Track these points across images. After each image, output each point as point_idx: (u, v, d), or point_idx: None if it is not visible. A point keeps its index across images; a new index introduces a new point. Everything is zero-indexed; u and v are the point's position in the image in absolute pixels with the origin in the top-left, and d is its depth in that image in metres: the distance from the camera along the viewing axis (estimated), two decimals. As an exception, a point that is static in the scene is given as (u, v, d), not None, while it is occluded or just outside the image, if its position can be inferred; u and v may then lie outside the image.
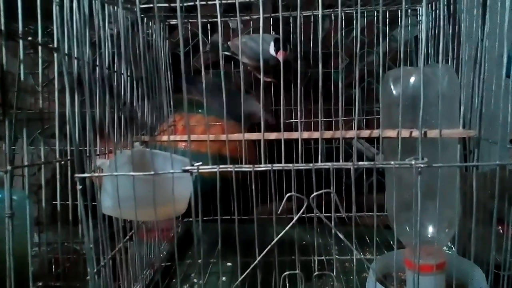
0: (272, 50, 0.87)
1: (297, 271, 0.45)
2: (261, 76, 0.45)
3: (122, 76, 0.62)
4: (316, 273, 0.46)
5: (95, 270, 0.48)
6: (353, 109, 0.47)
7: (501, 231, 0.62)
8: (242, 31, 1.03)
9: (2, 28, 0.45)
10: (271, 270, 0.51)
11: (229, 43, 0.91)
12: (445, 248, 0.68)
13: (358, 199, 0.87)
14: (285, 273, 0.46)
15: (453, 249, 0.60)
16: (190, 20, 0.91)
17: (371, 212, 0.74)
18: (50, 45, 0.51)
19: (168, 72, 0.86)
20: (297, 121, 0.51)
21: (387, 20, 0.90)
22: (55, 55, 0.50)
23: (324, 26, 1.06)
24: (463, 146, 0.53)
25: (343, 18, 0.83)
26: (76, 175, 0.45)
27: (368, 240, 0.72)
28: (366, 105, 0.99)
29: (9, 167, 0.47)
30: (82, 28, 0.46)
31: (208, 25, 0.95)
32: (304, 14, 0.89)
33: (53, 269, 0.62)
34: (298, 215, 0.44)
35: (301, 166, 0.44)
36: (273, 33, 0.98)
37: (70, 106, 0.47)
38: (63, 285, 0.60)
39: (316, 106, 0.93)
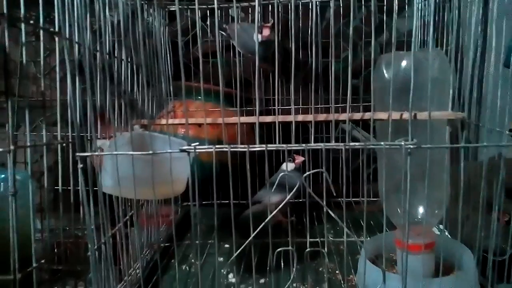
0: (256, 37, 0.86)
1: (289, 248, 0.47)
2: (256, 64, 0.47)
3: (123, 63, 0.64)
4: (308, 249, 0.47)
5: (95, 247, 0.50)
6: (351, 98, 0.48)
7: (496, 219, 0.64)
8: (243, 20, 1.04)
9: (5, 12, 0.46)
10: (266, 250, 0.53)
11: (226, 26, 0.90)
12: (437, 231, 0.69)
13: (356, 187, 0.88)
14: (278, 249, 0.48)
15: (445, 232, 0.62)
16: (189, 7, 0.91)
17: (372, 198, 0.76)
18: (52, 29, 0.52)
19: (168, 59, 0.87)
20: (293, 107, 0.52)
21: (385, 9, 0.91)
22: (57, 42, 0.52)
23: (325, 16, 1.07)
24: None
25: (341, 7, 0.84)
26: (78, 154, 0.46)
27: (363, 224, 0.74)
28: (366, 95, 1.00)
29: (12, 147, 0.49)
30: (83, 14, 0.47)
31: (208, 12, 0.95)
32: (303, 2, 0.90)
33: (55, 254, 0.63)
34: (291, 193, 0.46)
35: (295, 146, 0.45)
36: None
37: (72, 91, 0.48)
38: (65, 269, 0.62)
39: (316, 96, 0.94)
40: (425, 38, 0.75)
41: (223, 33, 0.88)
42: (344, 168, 0.45)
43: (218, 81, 0.46)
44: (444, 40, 0.62)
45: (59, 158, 0.57)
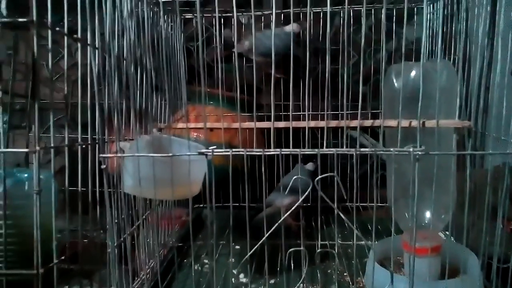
0: (290, 28, 0.90)
1: (301, 248, 0.49)
2: (273, 71, 0.49)
3: (139, 68, 0.66)
4: (319, 250, 0.49)
5: (115, 244, 0.52)
6: (359, 105, 0.50)
7: (501, 226, 0.65)
8: (250, 27, 1.07)
9: (34, 18, 0.49)
10: (276, 252, 0.55)
11: (236, 47, 0.94)
12: (443, 236, 0.71)
13: (363, 193, 0.90)
14: (290, 250, 0.50)
15: (452, 238, 0.64)
16: (204, 15, 0.94)
17: (380, 204, 0.78)
18: (75, 36, 0.55)
19: (184, 65, 0.89)
20: (305, 114, 0.55)
21: (394, 18, 0.93)
22: (79, 47, 0.54)
23: (334, 23, 1.09)
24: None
25: (351, 15, 0.86)
26: (101, 155, 0.49)
27: (370, 228, 0.76)
28: (373, 102, 1.02)
29: (38, 147, 0.51)
30: (110, 21, 0.49)
31: (221, 19, 0.98)
32: (314, 11, 0.92)
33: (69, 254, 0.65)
34: (304, 195, 0.48)
35: (308, 151, 0.47)
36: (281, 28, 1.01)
37: (92, 94, 0.50)
38: (78, 269, 0.64)
39: (323, 102, 0.97)
40: (433, 48, 0.77)
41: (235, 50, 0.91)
42: (354, 173, 0.47)
43: (229, 87, 0.49)
44: (452, 50, 0.65)
45: (79, 159, 0.60)
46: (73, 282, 0.66)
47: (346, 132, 0.96)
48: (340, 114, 0.95)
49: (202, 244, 0.79)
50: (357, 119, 0.52)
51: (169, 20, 0.85)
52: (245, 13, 0.98)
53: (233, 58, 0.92)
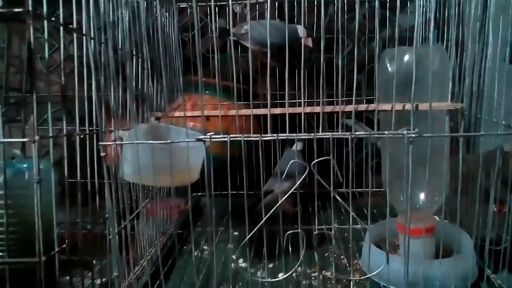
0: (301, 32, 0.91)
1: (299, 230, 0.50)
2: (268, 60, 0.49)
3: (135, 58, 0.66)
4: (316, 232, 0.51)
5: (116, 231, 0.53)
6: (353, 90, 0.51)
7: (495, 209, 0.66)
8: (244, 16, 1.07)
9: (30, 9, 0.49)
10: (275, 237, 0.56)
11: (233, 29, 0.94)
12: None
13: (359, 180, 0.92)
14: (288, 232, 0.51)
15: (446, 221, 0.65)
16: (198, 4, 0.95)
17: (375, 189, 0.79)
18: (71, 26, 0.55)
19: (179, 55, 0.89)
20: (300, 101, 0.55)
21: (387, 5, 0.94)
22: (75, 38, 0.54)
23: (328, 12, 1.09)
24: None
25: (345, 3, 0.86)
26: (100, 143, 0.49)
27: (366, 213, 0.77)
28: (368, 90, 1.03)
29: (37, 137, 0.52)
30: (107, 12, 0.49)
31: (215, 9, 0.98)
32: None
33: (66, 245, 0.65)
34: (300, 179, 0.49)
35: (304, 135, 0.48)
36: (278, 19, 1.01)
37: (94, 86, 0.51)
38: (76, 259, 0.65)
39: (319, 91, 0.98)
40: (427, 34, 0.78)
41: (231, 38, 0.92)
42: (350, 158, 0.48)
43: (225, 77, 0.49)
44: (445, 36, 0.65)
45: (77, 149, 0.60)
46: (74, 273, 0.67)
47: (342, 121, 0.97)
48: (335, 101, 0.96)
49: (202, 231, 0.80)
50: (363, 106, 0.53)
51: (164, 9, 0.85)
52: (240, 1, 0.98)
53: (228, 47, 0.93)
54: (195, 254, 0.72)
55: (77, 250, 0.62)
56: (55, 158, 0.60)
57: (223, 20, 1.00)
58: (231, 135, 0.49)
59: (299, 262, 0.53)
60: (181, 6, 0.92)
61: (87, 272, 0.66)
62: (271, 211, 0.51)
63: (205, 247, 0.74)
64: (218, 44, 1.06)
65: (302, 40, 0.81)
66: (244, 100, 0.95)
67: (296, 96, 0.99)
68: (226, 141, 0.49)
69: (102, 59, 0.53)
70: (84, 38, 0.52)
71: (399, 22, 0.49)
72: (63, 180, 0.56)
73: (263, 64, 1.00)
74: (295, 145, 0.85)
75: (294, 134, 0.49)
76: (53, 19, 0.54)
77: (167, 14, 0.86)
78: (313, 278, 0.63)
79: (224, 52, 1.02)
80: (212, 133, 0.49)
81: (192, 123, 0.95)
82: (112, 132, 0.53)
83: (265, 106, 0.58)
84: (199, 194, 0.94)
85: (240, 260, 0.69)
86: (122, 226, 0.56)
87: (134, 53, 0.64)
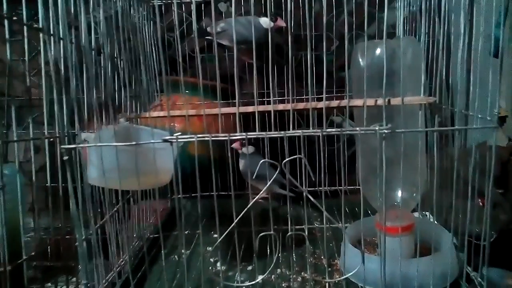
0: (267, 24, 0.88)
1: (271, 232, 0.48)
2: (254, 58, 0.48)
3: (102, 57, 0.64)
4: (290, 233, 0.49)
5: (83, 238, 0.51)
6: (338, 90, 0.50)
7: (480, 204, 0.65)
8: (228, 14, 1.05)
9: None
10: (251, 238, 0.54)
11: (208, 28, 0.92)
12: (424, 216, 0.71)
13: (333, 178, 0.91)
14: (261, 234, 0.49)
15: (427, 216, 0.64)
16: (183, 1, 0.95)
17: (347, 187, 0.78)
18: (35, 25, 0.53)
19: (156, 55, 0.87)
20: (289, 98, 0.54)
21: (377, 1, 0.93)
22: (41, 39, 0.52)
23: (314, 9, 1.08)
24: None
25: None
26: (62, 146, 0.47)
27: (347, 211, 0.75)
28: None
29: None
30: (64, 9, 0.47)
31: (202, 6, 0.97)
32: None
33: (48, 251, 0.63)
34: (271, 179, 0.47)
35: (274, 134, 0.47)
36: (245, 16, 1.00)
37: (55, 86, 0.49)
38: (57, 265, 0.63)
39: (307, 89, 0.96)
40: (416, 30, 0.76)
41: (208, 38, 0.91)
42: (322, 156, 0.46)
43: (205, 76, 0.47)
44: (431, 30, 0.64)
45: (47, 153, 0.58)
46: (49, 279, 0.65)
47: (330, 118, 0.96)
48: (309, 99, 0.95)
49: (180, 234, 0.78)
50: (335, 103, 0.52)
51: (141, 8, 0.83)
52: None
53: (213, 47, 0.91)
54: (173, 258, 0.70)
55: (48, 256, 0.60)
56: (39, 163, 0.59)
57: (208, 19, 0.98)
58: (198, 135, 0.47)
59: (273, 264, 0.52)
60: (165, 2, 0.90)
61: (71, 278, 0.64)
62: (245, 210, 0.49)
63: (184, 251, 0.73)
64: (198, 44, 1.05)
65: (269, 30, 0.79)
66: (224, 99, 0.93)
67: (285, 93, 0.97)
68: (209, 141, 0.47)
69: (68, 60, 0.51)
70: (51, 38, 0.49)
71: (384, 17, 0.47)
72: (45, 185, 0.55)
73: (248, 63, 0.98)
74: (244, 148, 0.85)
75: (263, 133, 0.47)
76: (14, 18, 0.53)
77: (145, 13, 0.84)
78: (291, 280, 0.61)
79: (211, 52, 1.01)
80: (179, 133, 0.48)
81: (172, 124, 0.93)
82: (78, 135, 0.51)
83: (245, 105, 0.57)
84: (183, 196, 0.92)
85: (218, 264, 0.67)
86: (90, 232, 0.54)
87: (101, 52, 0.62)
